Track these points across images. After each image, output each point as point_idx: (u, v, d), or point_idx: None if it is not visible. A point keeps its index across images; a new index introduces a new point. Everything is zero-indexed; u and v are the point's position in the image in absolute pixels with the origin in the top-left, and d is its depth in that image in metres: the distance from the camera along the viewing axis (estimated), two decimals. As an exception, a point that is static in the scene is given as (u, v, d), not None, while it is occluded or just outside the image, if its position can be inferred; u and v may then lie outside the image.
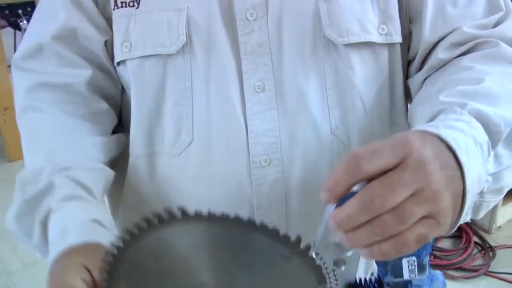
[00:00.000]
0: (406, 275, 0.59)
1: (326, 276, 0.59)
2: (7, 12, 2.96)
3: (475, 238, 2.56)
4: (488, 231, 2.62)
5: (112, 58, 0.82)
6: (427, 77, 0.80)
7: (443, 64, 0.78)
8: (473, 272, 2.37)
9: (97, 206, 0.74)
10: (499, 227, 2.66)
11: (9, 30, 4.12)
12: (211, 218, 0.57)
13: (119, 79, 0.85)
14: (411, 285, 0.60)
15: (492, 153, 0.61)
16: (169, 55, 0.76)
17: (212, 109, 0.76)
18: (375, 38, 0.76)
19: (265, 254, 0.59)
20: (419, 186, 0.50)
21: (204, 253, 0.60)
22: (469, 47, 0.76)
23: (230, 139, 0.76)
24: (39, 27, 0.85)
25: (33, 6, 3.11)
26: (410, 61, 0.83)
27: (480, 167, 0.58)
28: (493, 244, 2.53)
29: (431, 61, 0.78)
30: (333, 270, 0.59)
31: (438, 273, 0.63)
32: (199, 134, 0.77)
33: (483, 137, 0.59)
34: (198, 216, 0.57)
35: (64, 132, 0.81)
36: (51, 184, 0.73)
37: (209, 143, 0.77)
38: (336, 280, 0.59)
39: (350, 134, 0.78)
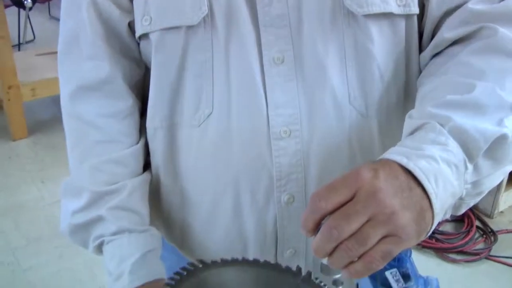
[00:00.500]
0: (394, 285, 0.66)
1: None
2: (12, -10, 2.95)
3: (477, 223, 2.56)
4: (490, 216, 2.63)
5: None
6: (433, 56, 0.80)
7: (448, 45, 0.78)
8: (475, 256, 2.38)
9: (146, 234, 0.82)
10: (501, 212, 2.67)
11: (13, 9, 4.11)
12: (224, 263, 0.68)
13: (141, 59, 0.86)
14: None
15: (470, 167, 0.65)
16: (190, 26, 0.76)
17: (232, 80, 0.76)
18: (394, 9, 0.76)
19: (276, 286, 0.68)
20: (372, 212, 0.57)
21: None
22: (473, 30, 0.76)
23: (250, 110, 0.77)
24: (68, 14, 0.86)
25: (38, -16, 3.09)
26: (421, 37, 0.83)
27: (453, 185, 0.63)
28: (495, 228, 2.54)
29: (437, 39, 0.78)
30: None
31: (432, 278, 0.69)
32: (218, 105, 0.77)
33: (458, 157, 0.64)
34: (214, 263, 0.68)
35: (104, 144, 0.84)
36: (100, 218, 0.81)
37: (229, 115, 0.77)
38: None
39: (368, 105, 0.79)
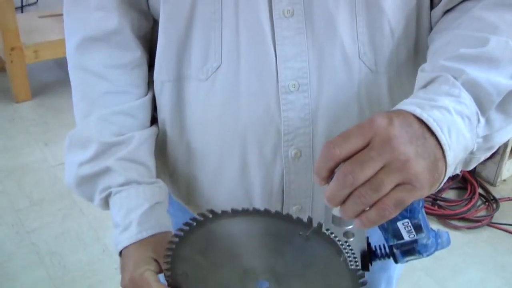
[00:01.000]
0: (406, 237, 0.65)
1: (341, 247, 0.68)
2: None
3: (479, 190, 2.57)
4: (493, 184, 2.64)
5: None
6: (445, 12, 0.79)
7: (460, 1, 0.77)
8: (476, 223, 2.40)
9: (154, 186, 0.82)
10: (504, 180, 2.67)
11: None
12: (234, 213, 0.69)
13: (149, 11, 0.85)
14: (417, 244, 0.66)
15: (482, 120, 0.66)
16: None
17: (241, 33, 0.75)
18: None
19: (286, 236, 0.69)
20: (386, 159, 0.57)
21: (238, 243, 0.70)
22: None
23: (259, 63, 0.76)
24: None
25: None
26: None
27: (466, 137, 0.63)
28: (497, 196, 2.55)
29: None
30: (346, 242, 0.68)
31: (443, 231, 0.68)
32: (227, 58, 0.77)
33: (471, 109, 0.64)
34: (224, 213, 0.69)
35: (112, 96, 0.84)
36: (107, 169, 0.81)
37: (237, 68, 0.77)
38: (351, 249, 0.68)
39: (377, 60, 0.78)
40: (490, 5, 0.73)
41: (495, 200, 2.52)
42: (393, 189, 0.57)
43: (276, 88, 0.76)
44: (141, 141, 0.83)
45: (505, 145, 2.52)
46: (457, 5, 0.78)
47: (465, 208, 2.45)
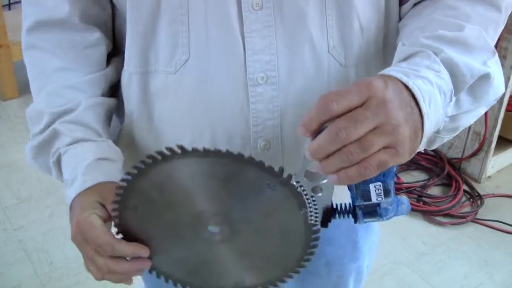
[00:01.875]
0: (374, 199, 0.68)
1: (306, 201, 0.68)
2: None
3: (464, 187, 2.60)
4: (477, 181, 2.66)
5: None
6: (416, 3, 0.81)
7: None
8: (461, 219, 2.42)
9: (101, 143, 0.82)
10: (489, 176, 2.70)
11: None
12: (205, 153, 0.64)
13: (108, 1, 0.86)
14: (379, 207, 0.69)
15: (453, 99, 0.70)
16: None
17: (210, 26, 0.76)
18: None
19: (253, 184, 0.66)
20: (380, 121, 0.59)
21: (201, 184, 0.67)
22: None
23: (227, 56, 0.77)
24: None
25: None
26: None
27: (440, 112, 0.67)
28: (481, 193, 2.57)
29: None
30: (312, 196, 0.67)
31: (403, 198, 0.71)
32: (195, 51, 0.77)
33: (448, 86, 0.68)
34: (195, 151, 0.64)
35: (63, 72, 0.85)
36: (55, 132, 0.82)
37: (206, 61, 0.77)
38: (315, 205, 0.68)
39: (347, 54, 0.80)
40: None
41: (480, 197, 2.54)
42: (378, 150, 0.60)
43: (245, 80, 0.77)
44: (87, 106, 0.83)
45: (490, 142, 2.55)
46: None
47: (449, 205, 2.47)
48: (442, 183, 2.65)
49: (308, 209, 0.68)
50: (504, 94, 2.37)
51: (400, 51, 0.72)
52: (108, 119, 0.88)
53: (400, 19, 0.84)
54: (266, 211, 0.69)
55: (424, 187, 2.59)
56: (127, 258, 0.73)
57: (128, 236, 0.73)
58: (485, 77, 0.70)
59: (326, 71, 0.79)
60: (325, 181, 0.66)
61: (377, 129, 0.59)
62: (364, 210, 0.69)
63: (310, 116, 0.60)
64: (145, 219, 0.71)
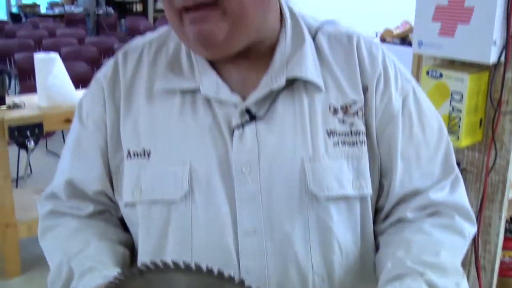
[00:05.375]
0: None
1: None
2: (16, 133, 3.10)
3: None
4: None
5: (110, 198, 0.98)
6: (392, 223, 0.96)
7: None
8: None
9: (111, 269, 0.89)
10: None
11: (13, 148, 4.22)
12: (187, 268, 0.70)
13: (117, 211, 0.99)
14: None
15: None
16: (173, 201, 0.89)
17: (210, 250, 0.88)
18: (350, 191, 0.90)
19: None
20: None
21: None
22: (433, 211, 0.93)
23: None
24: (59, 169, 1.03)
25: (40, 127, 3.24)
26: (377, 211, 0.98)
27: None
28: None
29: (399, 216, 0.94)
30: None
31: None
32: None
33: None
34: (176, 266, 0.70)
35: (78, 234, 0.97)
36: (70, 270, 0.91)
37: None
38: None
39: (329, 272, 0.91)
40: (437, 225, 0.92)
41: None
42: None
43: None
44: (105, 252, 0.94)
45: None
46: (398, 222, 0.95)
47: None
48: None
49: None
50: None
51: (388, 271, 0.85)
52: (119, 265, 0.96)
53: (375, 236, 0.97)
54: None
55: None
56: None
57: None
58: None
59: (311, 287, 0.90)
60: None
61: None
62: None
63: None
64: None
